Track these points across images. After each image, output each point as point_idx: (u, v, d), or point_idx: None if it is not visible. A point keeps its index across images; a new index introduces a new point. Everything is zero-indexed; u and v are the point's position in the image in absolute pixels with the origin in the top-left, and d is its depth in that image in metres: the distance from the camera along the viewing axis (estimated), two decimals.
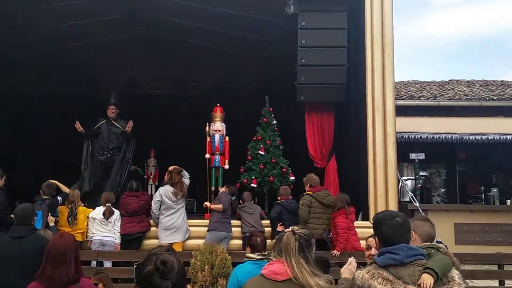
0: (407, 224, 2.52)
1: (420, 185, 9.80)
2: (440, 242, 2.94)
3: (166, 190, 6.51)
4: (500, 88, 13.07)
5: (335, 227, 6.13)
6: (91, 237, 6.35)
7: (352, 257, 2.93)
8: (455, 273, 2.50)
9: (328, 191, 6.68)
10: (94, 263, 5.97)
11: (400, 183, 8.53)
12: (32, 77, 10.17)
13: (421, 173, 10.83)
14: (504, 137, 9.15)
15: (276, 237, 2.57)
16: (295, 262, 2.39)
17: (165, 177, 6.72)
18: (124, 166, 8.08)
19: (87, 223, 6.47)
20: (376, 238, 2.57)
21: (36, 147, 9.76)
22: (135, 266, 1.73)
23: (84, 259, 5.81)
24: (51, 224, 5.86)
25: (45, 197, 6.04)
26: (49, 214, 5.86)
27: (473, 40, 51.76)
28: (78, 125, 7.90)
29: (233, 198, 7.21)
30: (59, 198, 6.25)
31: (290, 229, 2.52)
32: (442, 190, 12.00)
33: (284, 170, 7.77)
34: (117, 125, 8.18)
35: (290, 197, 6.69)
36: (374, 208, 6.73)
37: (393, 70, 7.10)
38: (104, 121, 8.19)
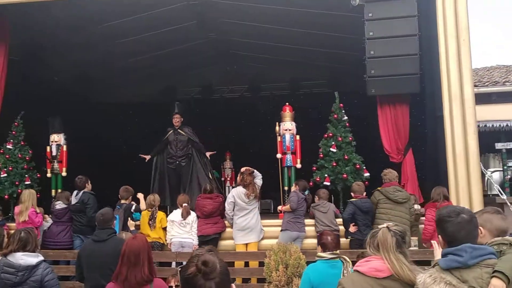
0: (474, 220, 2.34)
1: (509, 176, 9.08)
2: None
3: (238, 192, 6.62)
4: None
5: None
6: (171, 239, 6.61)
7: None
8: None
9: (398, 186, 6.38)
10: (174, 264, 6.20)
11: (486, 176, 8.00)
12: (108, 89, 10.93)
13: (510, 164, 10.05)
14: None
15: (371, 232, 2.55)
16: (394, 259, 2.35)
17: (238, 178, 6.84)
18: (197, 170, 8.37)
19: (165, 227, 6.74)
20: (439, 236, 2.41)
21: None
22: (179, 269, 1.75)
23: (164, 261, 6.13)
24: (132, 228, 6.19)
25: (123, 201, 6.40)
26: (129, 218, 6.19)
27: None
28: (144, 156, 8.46)
29: (306, 192, 7.16)
30: (133, 203, 6.61)
31: (385, 225, 2.49)
32: None
33: (358, 166, 7.56)
34: (183, 133, 8.50)
35: (364, 194, 6.50)
36: (457, 203, 6.35)
37: (470, 56, 6.65)
38: (172, 130, 8.56)
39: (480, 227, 2.51)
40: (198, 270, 1.62)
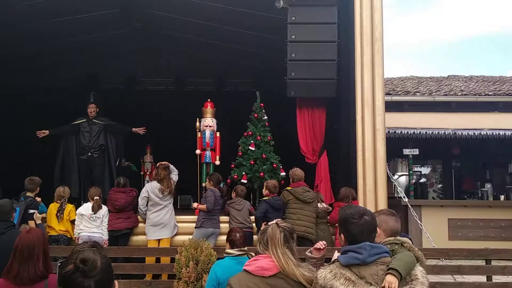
0: (374, 222, 2.49)
1: (414, 180, 9.76)
2: (406, 236, 2.90)
3: (152, 187, 6.51)
4: (497, 83, 12.99)
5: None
6: (79, 233, 6.35)
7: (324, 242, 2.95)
8: (418, 271, 2.47)
9: (306, 187, 6.64)
10: None
11: (392, 179, 8.52)
12: (26, 74, 10.22)
13: (416, 169, 10.80)
14: (500, 133, 9.09)
15: (261, 229, 2.62)
16: (281, 253, 2.44)
17: (153, 172, 6.73)
18: (110, 163, 8.12)
19: (73, 221, 6.47)
20: (342, 235, 2.54)
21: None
22: (59, 264, 1.68)
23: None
24: (38, 221, 5.87)
25: (28, 193, 6.05)
26: (36, 211, 5.87)
27: (478, 36, 51.44)
28: (40, 132, 8.05)
29: (221, 185, 7.22)
30: (38, 199, 6.28)
31: (274, 221, 2.60)
32: (439, 186, 11.97)
33: (275, 166, 7.75)
34: (97, 121, 8.22)
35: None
36: (364, 203, 6.71)
37: (382, 65, 7.04)
38: (84, 119, 8.25)
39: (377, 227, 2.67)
40: (76, 268, 1.57)
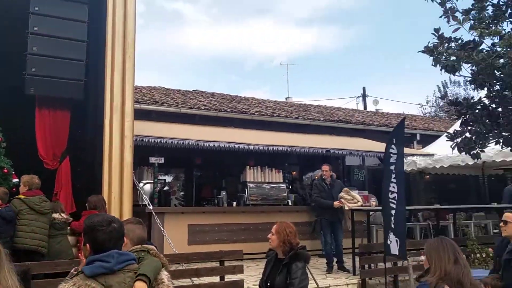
0: (122, 229, 2.45)
1: (158, 188, 9.98)
2: (151, 243, 2.93)
3: None
4: (234, 101, 14.56)
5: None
6: None
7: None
8: (164, 275, 2.56)
9: (43, 196, 6.08)
10: None
11: (138, 187, 8.51)
12: None
13: (161, 177, 11.09)
14: (235, 146, 10.12)
15: None
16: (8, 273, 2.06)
17: None
18: None
19: None
20: (88, 245, 2.38)
21: None
22: None
23: None
24: None
25: None
26: None
27: (220, 56, 56.93)
28: None
29: None
30: None
31: None
32: (181, 193, 12.58)
33: (6, 171, 6.76)
34: None
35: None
36: (109, 211, 6.47)
37: (133, 72, 7.01)
38: None
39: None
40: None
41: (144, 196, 8.21)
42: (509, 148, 6.53)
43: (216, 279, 6.36)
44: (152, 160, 9.42)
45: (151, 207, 8.13)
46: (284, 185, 11.14)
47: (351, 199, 8.50)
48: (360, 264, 7.41)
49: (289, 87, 35.24)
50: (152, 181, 9.72)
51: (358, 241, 8.47)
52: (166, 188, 11.72)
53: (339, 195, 8.50)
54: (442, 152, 11.07)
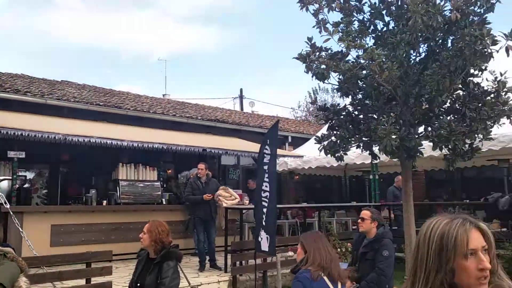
0: None
1: (17, 185, 9.08)
2: (8, 246, 2.64)
3: None
4: (107, 95, 13.86)
5: None
6: None
7: None
8: (22, 281, 2.35)
9: None
10: None
11: None
12: None
13: (21, 173, 10.12)
14: (107, 141, 9.62)
15: None
16: None
17: None
18: None
19: None
20: None
21: None
22: None
23: None
24: None
25: None
26: None
27: (94, 48, 53.76)
28: None
29: None
30: None
31: None
32: (44, 191, 11.62)
33: None
34: None
35: None
36: None
37: None
38: None
39: None
40: None
41: (1, 194, 7.40)
42: (368, 152, 7.20)
43: (82, 282, 5.97)
44: (11, 154, 8.55)
45: (7, 206, 7.36)
46: (158, 183, 10.92)
47: (229, 196, 8.63)
48: (231, 261, 7.56)
49: (167, 84, 34.79)
50: (11, 178, 8.82)
51: (231, 239, 8.65)
52: (26, 185, 10.75)
53: (217, 193, 8.57)
54: (311, 154, 11.83)
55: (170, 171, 13.17)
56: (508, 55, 5.56)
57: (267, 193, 6.20)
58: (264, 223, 6.22)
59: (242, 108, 24.91)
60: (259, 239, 6.29)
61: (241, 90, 26.03)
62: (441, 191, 14.33)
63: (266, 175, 6.26)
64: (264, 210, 6.22)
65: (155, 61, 64.43)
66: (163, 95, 20.66)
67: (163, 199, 10.86)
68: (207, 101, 25.30)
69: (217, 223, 8.72)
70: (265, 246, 6.21)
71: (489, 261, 1.39)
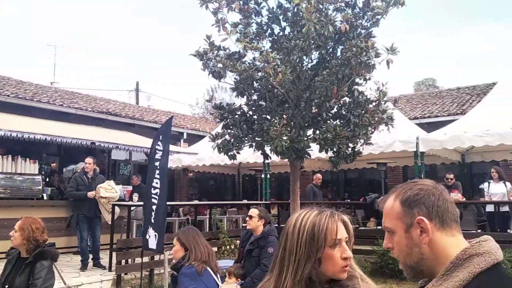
0: None
1: None
2: None
3: None
4: None
5: None
6: None
7: None
8: None
9: None
10: None
11: None
12: None
13: None
14: None
15: None
16: None
17: None
18: None
19: None
20: None
21: None
22: None
23: None
24: None
25: None
26: None
27: None
28: None
29: None
30: None
31: None
32: None
33: None
34: None
35: None
36: None
37: None
38: None
39: None
40: None
41: None
42: (260, 151, 7.38)
43: None
44: None
45: None
46: (39, 177, 10.12)
47: (110, 188, 8.21)
48: (116, 259, 7.27)
49: (56, 72, 32.39)
50: None
51: (118, 236, 8.31)
52: None
53: (98, 185, 8.14)
54: (205, 151, 11.81)
55: (54, 164, 12.31)
56: (388, 68, 6.05)
57: (157, 190, 6.06)
58: (153, 220, 6.07)
59: (137, 102, 24.14)
60: (147, 236, 6.12)
61: (137, 83, 25.21)
62: (326, 191, 15.17)
63: (157, 172, 6.11)
64: (154, 207, 6.07)
65: (44, 46, 59.81)
66: (51, 83, 19.26)
67: (44, 194, 10.10)
68: (100, 93, 24.07)
69: (102, 219, 8.30)
70: (153, 244, 6.06)
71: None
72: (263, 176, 11.89)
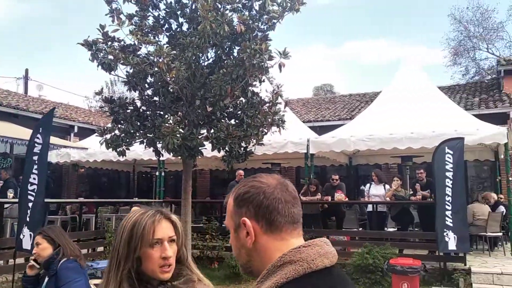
0: None
1: None
2: None
3: None
4: None
5: None
6: None
7: None
8: None
9: None
10: None
11: None
12: None
13: None
14: None
15: None
16: None
17: None
18: None
19: None
20: None
21: None
22: None
23: None
24: None
25: None
26: None
27: None
28: None
29: None
30: None
31: None
32: None
33: None
34: None
35: None
36: None
37: None
38: None
39: None
40: None
41: None
42: (151, 148, 7.18)
43: None
44: None
45: None
46: None
47: None
48: None
49: None
50: None
51: None
52: None
53: None
54: (97, 146, 11.24)
55: None
56: (280, 71, 6.21)
57: (35, 186, 5.62)
58: (28, 219, 5.62)
59: (26, 91, 22.30)
60: (21, 236, 5.65)
61: (26, 71, 23.26)
62: (224, 190, 15.24)
63: (35, 167, 5.67)
64: (30, 204, 5.62)
65: None
66: None
67: None
68: None
69: None
70: (27, 244, 5.60)
71: (176, 251, 1.52)
72: (157, 173, 11.61)
